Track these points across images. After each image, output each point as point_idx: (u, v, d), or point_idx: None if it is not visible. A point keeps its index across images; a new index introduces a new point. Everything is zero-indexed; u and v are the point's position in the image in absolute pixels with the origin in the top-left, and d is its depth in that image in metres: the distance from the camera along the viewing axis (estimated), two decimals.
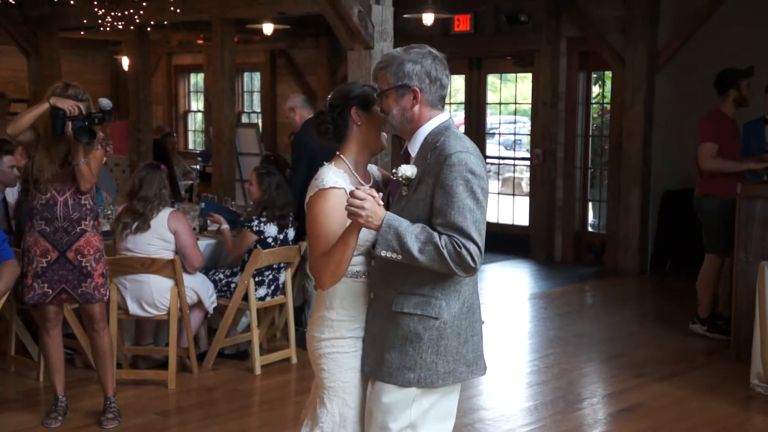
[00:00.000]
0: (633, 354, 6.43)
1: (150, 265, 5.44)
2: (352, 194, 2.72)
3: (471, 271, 2.73)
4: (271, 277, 5.94)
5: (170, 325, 5.52)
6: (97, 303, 4.79)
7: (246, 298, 5.76)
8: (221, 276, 6.00)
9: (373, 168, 3.16)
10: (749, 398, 5.45)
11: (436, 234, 2.71)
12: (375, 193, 2.73)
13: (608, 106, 9.83)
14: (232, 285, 5.91)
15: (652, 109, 9.03)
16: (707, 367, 6.10)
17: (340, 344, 2.98)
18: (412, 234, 2.70)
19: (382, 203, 2.74)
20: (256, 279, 5.83)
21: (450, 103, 11.73)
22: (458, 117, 11.82)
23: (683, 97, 9.16)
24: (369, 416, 2.96)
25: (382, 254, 2.73)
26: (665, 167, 9.14)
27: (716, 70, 7.14)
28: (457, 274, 2.73)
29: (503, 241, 10.31)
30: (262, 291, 5.90)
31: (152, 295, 5.49)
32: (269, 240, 5.89)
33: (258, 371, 5.80)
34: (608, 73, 9.75)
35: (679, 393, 5.54)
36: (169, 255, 5.52)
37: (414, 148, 2.88)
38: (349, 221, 2.77)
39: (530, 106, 10.36)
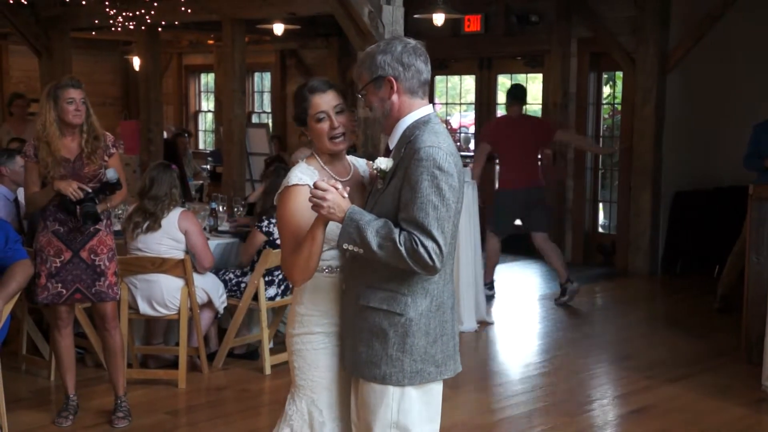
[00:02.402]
0: (643, 355, 6.41)
1: (160, 265, 5.45)
2: (314, 185, 2.74)
3: (430, 269, 2.68)
4: (281, 276, 5.94)
5: (180, 324, 5.53)
6: (110, 302, 4.81)
7: (256, 297, 5.77)
8: (231, 276, 6.01)
9: (361, 162, 3.17)
10: (761, 400, 5.43)
11: (397, 230, 2.67)
12: (339, 185, 2.73)
13: (619, 107, 9.80)
14: (243, 285, 5.92)
15: (663, 110, 8.99)
16: (718, 369, 6.06)
17: (309, 340, 3.00)
18: (373, 228, 2.68)
19: (346, 195, 2.73)
20: (266, 279, 5.84)
21: (460, 103, 11.72)
22: (468, 117, 11.82)
23: (694, 97, 9.13)
24: (354, 414, 2.96)
25: (344, 247, 2.74)
26: (676, 168, 9.11)
27: (726, 70, 7.11)
28: (416, 271, 2.70)
29: (513, 242, 10.30)
30: (272, 291, 5.91)
31: (162, 294, 5.51)
32: (278, 240, 5.89)
33: (268, 371, 5.81)
34: (619, 74, 9.72)
35: (689, 395, 5.52)
36: (179, 255, 5.54)
37: (393, 140, 2.88)
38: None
39: (540, 106, 10.33)
